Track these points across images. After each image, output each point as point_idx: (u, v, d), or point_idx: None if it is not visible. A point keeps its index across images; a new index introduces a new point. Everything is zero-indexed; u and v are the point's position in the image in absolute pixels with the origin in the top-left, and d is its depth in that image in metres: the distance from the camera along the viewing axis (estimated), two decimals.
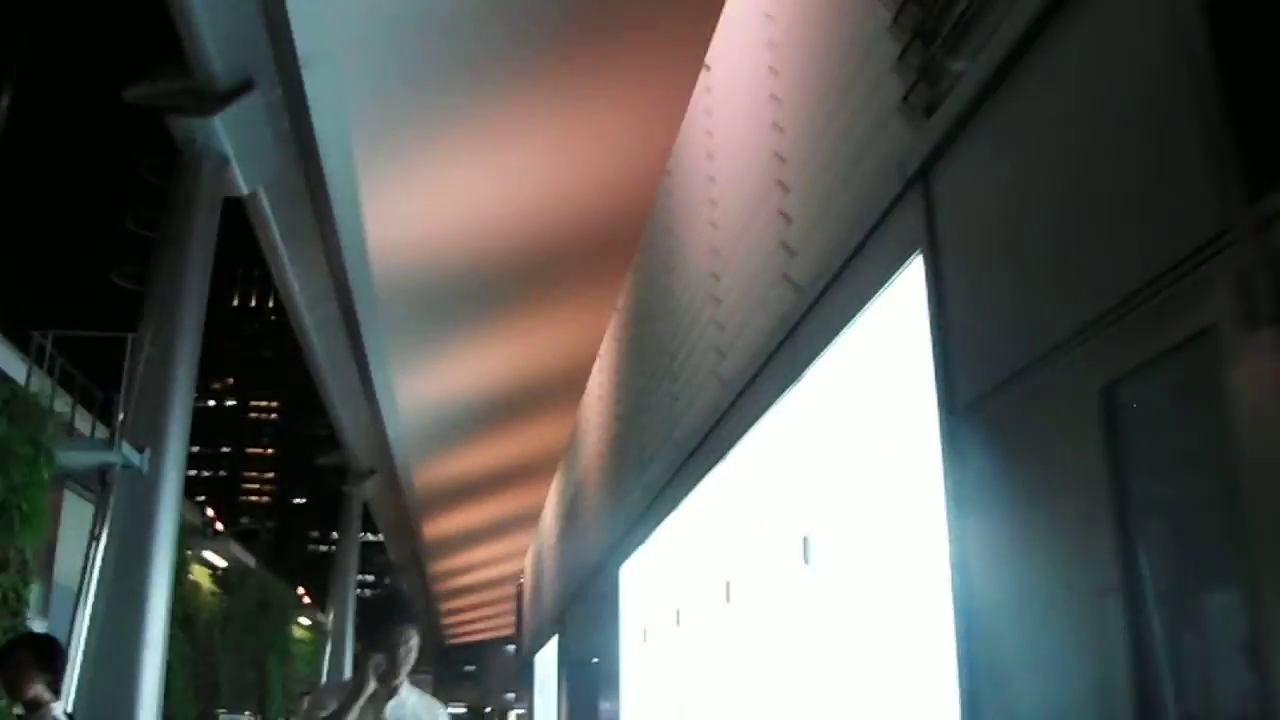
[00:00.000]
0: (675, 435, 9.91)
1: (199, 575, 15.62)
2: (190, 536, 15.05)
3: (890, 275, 4.98)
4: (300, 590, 26.24)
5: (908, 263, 4.80)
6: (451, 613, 52.08)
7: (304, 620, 24.25)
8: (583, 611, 18.10)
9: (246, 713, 14.82)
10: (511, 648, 48.26)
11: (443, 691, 62.29)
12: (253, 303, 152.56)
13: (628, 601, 12.89)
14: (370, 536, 57.31)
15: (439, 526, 31.50)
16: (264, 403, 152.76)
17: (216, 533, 15.68)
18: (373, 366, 18.82)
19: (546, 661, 25.89)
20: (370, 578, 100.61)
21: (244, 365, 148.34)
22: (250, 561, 18.74)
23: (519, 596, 40.38)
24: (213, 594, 16.28)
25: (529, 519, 30.98)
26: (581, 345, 17.40)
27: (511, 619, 44.49)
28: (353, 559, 27.84)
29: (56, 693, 4.82)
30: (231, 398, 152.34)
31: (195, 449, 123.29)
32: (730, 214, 8.31)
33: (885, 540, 5.03)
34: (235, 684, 16.97)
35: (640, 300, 12.69)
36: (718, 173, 8.83)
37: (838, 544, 5.72)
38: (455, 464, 25.89)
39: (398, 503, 29.20)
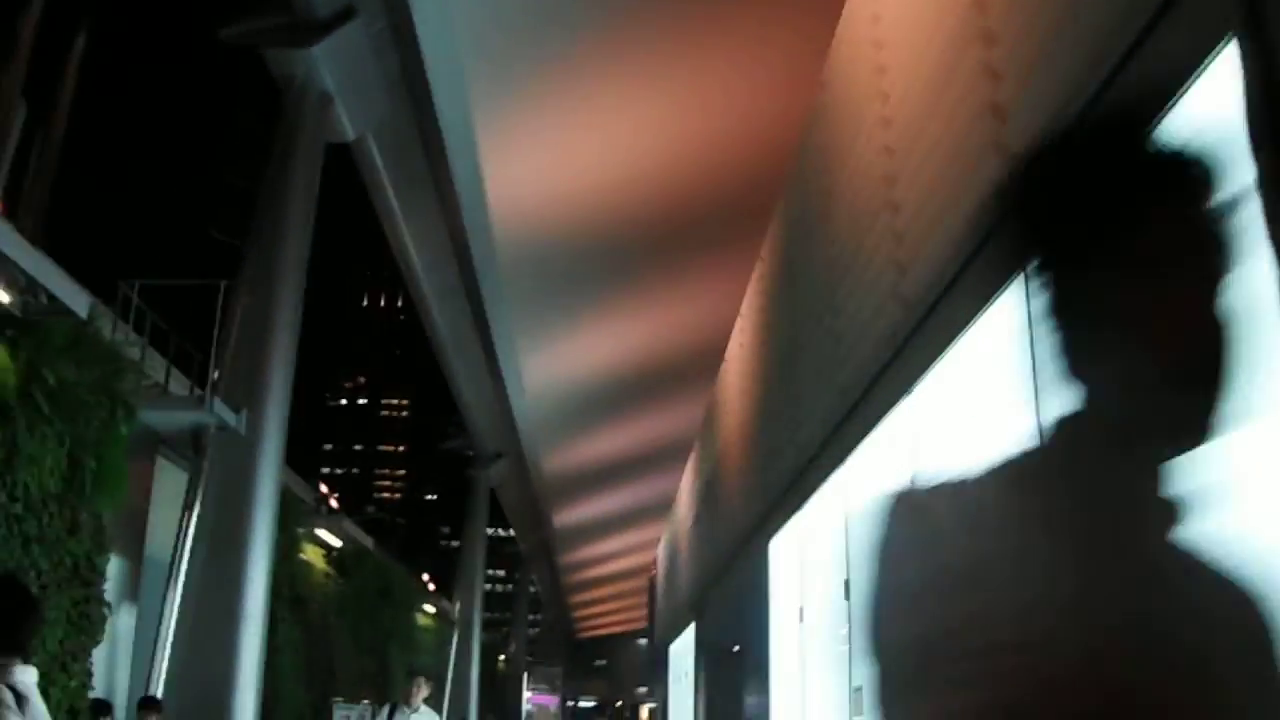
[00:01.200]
0: (838, 379, 8.48)
1: (312, 555, 14.65)
2: (303, 514, 14.05)
3: (1185, 80, 3.55)
4: (426, 579, 25.33)
5: (1211, 58, 3.40)
6: (581, 605, 51.26)
7: (428, 608, 23.26)
8: (723, 595, 16.73)
9: (365, 701, 13.74)
10: (643, 640, 47.32)
11: (573, 685, 61.73)
12: (382, 302, 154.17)
13: (779, 579, 11.49)
14: (500, 532, 56.95)
15: (568, 515, 30.51)
16: (395, 400, 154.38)
17: (331, 510, 14.66)
18: (496, 339, 17.65)
19: (682, 652, 24.66)
20: (500, 572, 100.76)
21: (376, 363, 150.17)
22: (368, 543, 17.74)
23: (651, 587, 39.36)
24: (327, 575, 15.31)
25: (662, 506, 29.82)
26: (720, 310, 16.03)
27: (643, 611, 43.44)
28: (480, 545, 26.91)
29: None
30: (363, 396, 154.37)
31: (328, 447, 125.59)
32: (908, 102, 6.88)
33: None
34: (352, 671, 16.00)
35: (792, 239, 11.27)
36: (889, 61, 7.40)
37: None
38: (585, 449, 24.75)
39: (525, 489, 28.26)
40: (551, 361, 18.92)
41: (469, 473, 27.01)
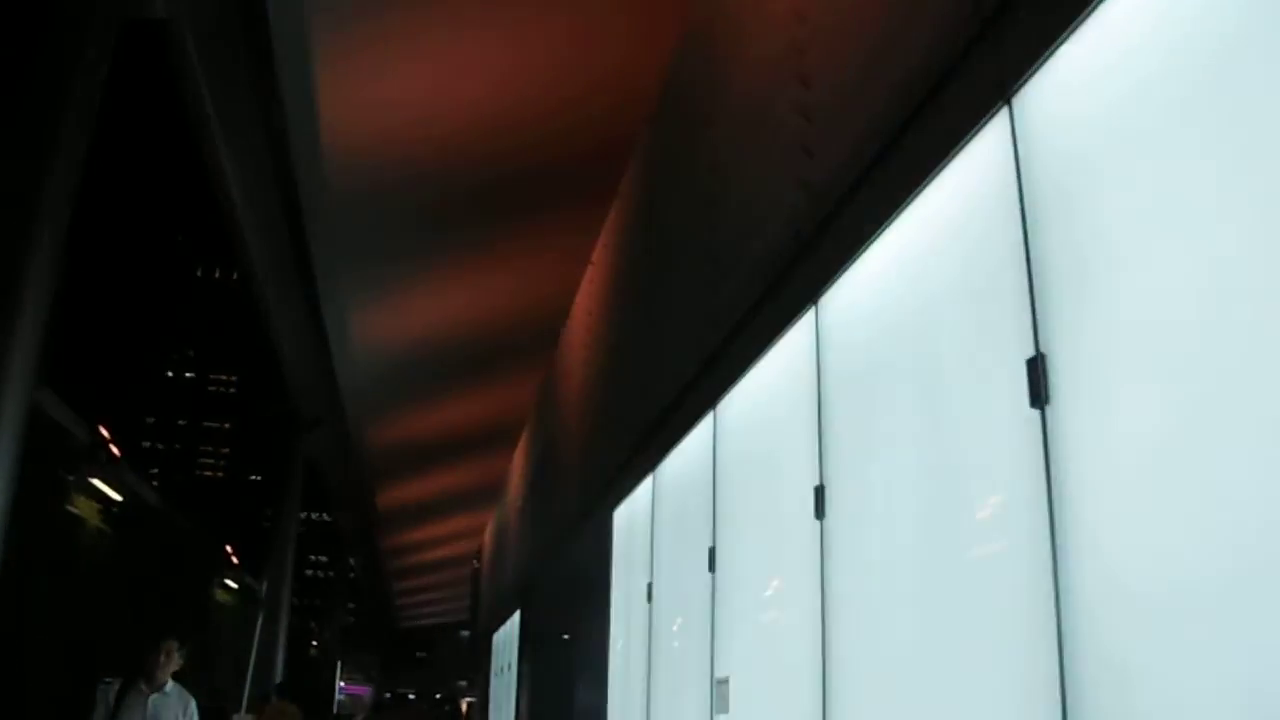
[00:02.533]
0: (712, 306, 7.05)
1: (83, 509, 12.61)
2: (71, 456, 12.09)
3: None
4: (231, 553, 23.18)
5: None
6: (405, 593, 49.34)
7: (231, 584, 21.01)
8: (554, 578, 15.20)
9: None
10: (467, 631, 45.72)
11: (392, 675, 59.82)
12: (217, 274, 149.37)
13: (622, 554, 10.01)
14: (325, 517, 54.56)
15: (393, 495, 28.76)
16: (224, 376, 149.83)
17: (110, 457, 12.62)
18: (321, 288, 15.85)
19: (505, 642, 23.14)
20: (324, 558, 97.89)
21: (205, 338, 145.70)
22: (154, 500, 15.62)
23: (475, 574, 37.86)
24: (101, 533, 13.29)
25: (489, 493, 28.44)
26: (568, 267, 14.57)
27: (467, 602, 41.86)
28: (293, 518, 24.87)
29: None
30: (190, 371, 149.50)
31: (150, 420, 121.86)
32: None
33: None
34: (130, 648, 13.92)
35: (664, 160, 9.80)
36: None
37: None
38: (413, 422, 23.05)
39: (348, 462, 26.40)
40: (382, 323, 17.22)
41: (287, 439, 24.99)
